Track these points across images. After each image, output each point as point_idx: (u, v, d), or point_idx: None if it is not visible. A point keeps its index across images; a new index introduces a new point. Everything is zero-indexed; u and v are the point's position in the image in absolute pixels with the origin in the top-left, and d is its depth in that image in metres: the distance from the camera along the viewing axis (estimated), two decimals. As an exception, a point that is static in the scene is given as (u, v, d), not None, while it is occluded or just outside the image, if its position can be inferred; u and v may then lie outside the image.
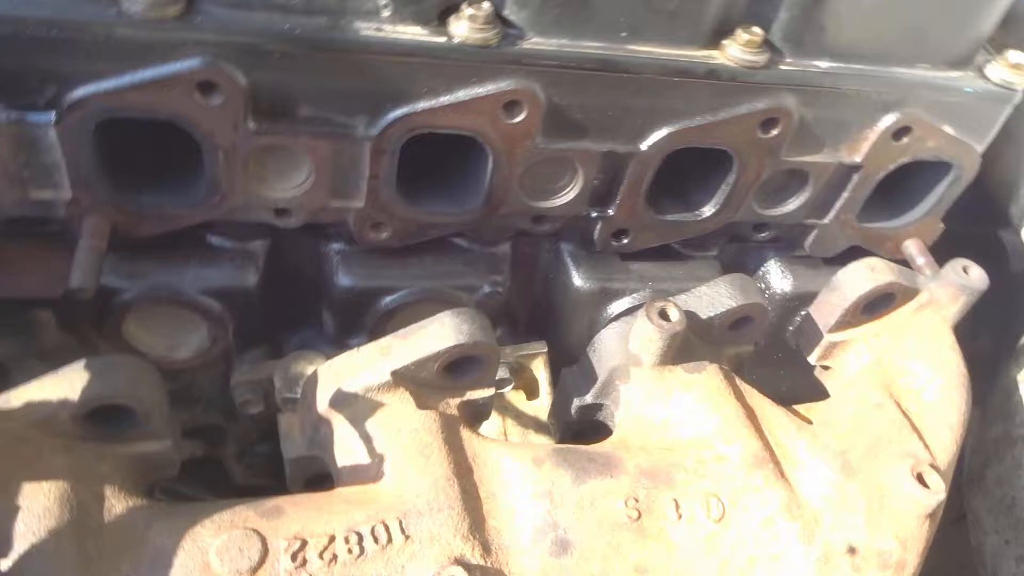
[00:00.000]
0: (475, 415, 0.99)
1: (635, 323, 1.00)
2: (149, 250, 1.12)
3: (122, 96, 0.92)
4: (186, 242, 1.14)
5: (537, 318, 1.37)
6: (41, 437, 0.89)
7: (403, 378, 0.91)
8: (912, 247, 1.34)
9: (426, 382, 0.93)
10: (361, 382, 0.91)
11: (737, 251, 1.38)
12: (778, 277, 1.36)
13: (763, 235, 1.32)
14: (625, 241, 1.24)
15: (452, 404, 0.95)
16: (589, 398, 1.06)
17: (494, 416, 1.35)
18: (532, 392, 1.33)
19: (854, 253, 1.36)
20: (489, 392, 0.97)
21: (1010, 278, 1.48)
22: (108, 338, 1.14)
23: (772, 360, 1.43)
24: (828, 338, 1.13)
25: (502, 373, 1.25)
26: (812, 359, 1.17)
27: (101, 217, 1.04)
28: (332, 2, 0.93)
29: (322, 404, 0.92)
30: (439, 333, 0.90)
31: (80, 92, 0.92)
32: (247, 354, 1.26)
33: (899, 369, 1.06)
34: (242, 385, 1.20)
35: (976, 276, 1.10)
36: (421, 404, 0.91)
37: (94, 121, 0.94)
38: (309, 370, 1.12)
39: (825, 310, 1.14)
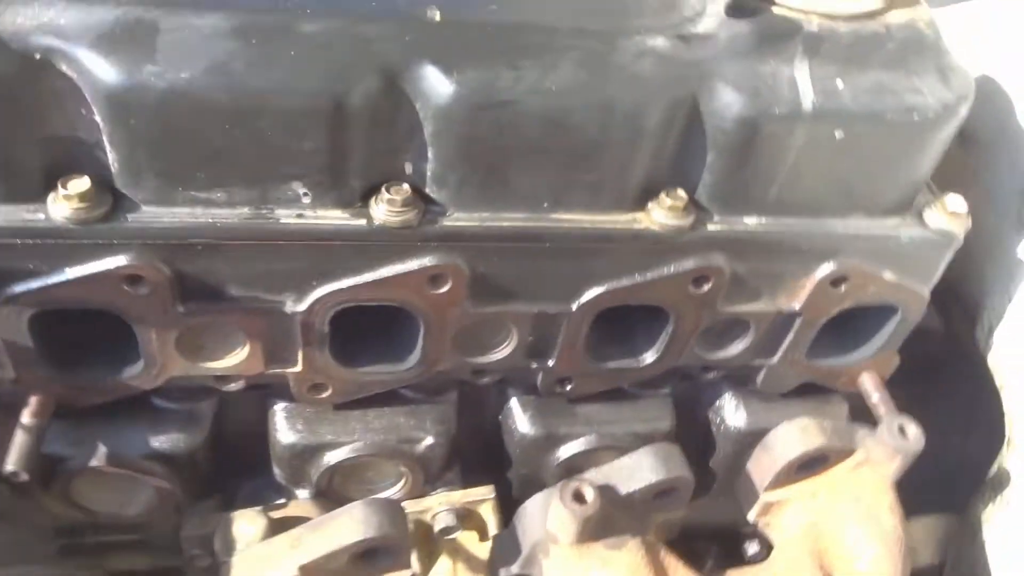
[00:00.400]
0: (396, 596, 0.99)
1: (551, 502, 1.00)
2: (95, 416, 1.15)
3: (52, 292, 0.96)
4: (132, 406, 1.17)
5: (490, 457, 1.38)
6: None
7: (313, 571, 0.92)
8: (867, 382, 1.32)
9: (338, 573, 0.94)
10: (272, 576, 0.92)
11: (690, 387, 1.37)
12: (731, 413, 1.35)
13: (711, 375, 1.32)
14: (569, 388, 1.25)
15: (368, 591, 0.95)
16: (515, 569, 1.05)
17: (444, 560, 1.35)
18: (484, 534, 1.33)
19: (812, 385, 1.35)
20: (406, 574, 0.98)
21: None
22: (58, 500, 1.17)
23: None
24: (764, 497, 1.12)
25: (448, 520, 1.25)
26: (750, 517, 1.16)
27: (43, 393, 1.08)
28: (254, 194, 0.96)
29: (235, 599, 0.93)
30: (348, 526, 0.91)
31: (13, 290, 0.96)
32: (198, 505, 1.28)
33: (834, 534, 1.04)
34: (189, 540, 1.21)
35: (913, 437, 1.08)
36: (334, 595, 0.92)
37: (28, 313, 0.98)
38: (251, 531, 1.13)
39: (760, 469, 1.13)
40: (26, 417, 1.05)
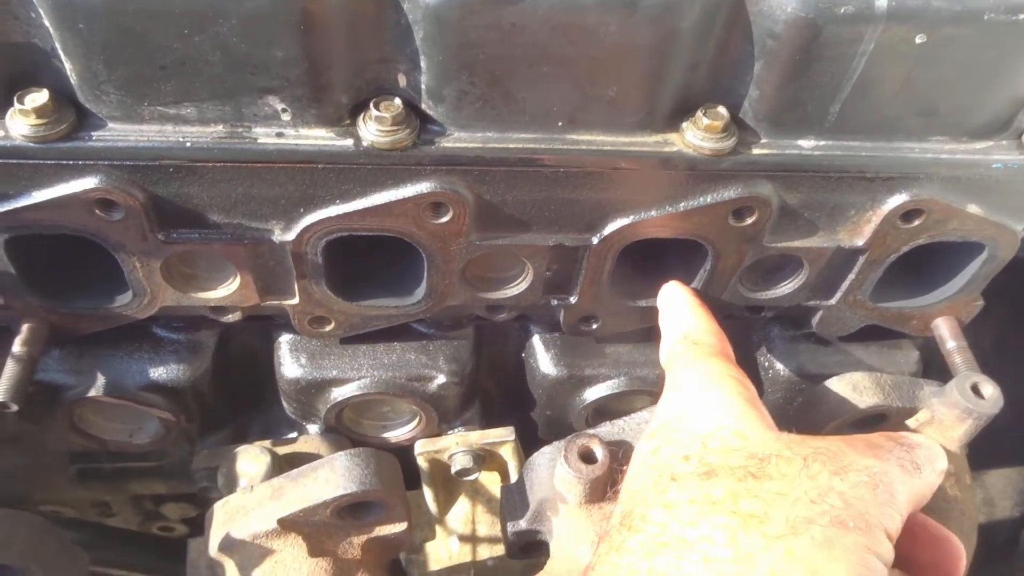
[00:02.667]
0: (388, 549, 0.92)
1: (558, 460, 0.90)
2: (97, 346, 1.11)
3: (22, 216, 0.90)
4: (133, 335, 1.12)
5: (515, 396, 1.29)
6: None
7: (294, 523, 0.85)
8: (943, 327, 1.15)
9: (323, 524, 0.87)
10: (249, 528, 0.86)
11: (736, 327, 1.23)
12: (781, 357, 1.21)
13: (759, 316, 1.17)
14: (595, 327, 1.13)
15: (355, 543, 0.88)
16: (523, 524, 0.97)
17: (463, 502, 1.29)
18: (506, 476, 1.25)
19: (878, 329, 1.20)
20: (400, 527, 0.90)
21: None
22: (62, 427, 1.15)
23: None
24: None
25: (464, 462, 1.18)
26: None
27: (36, 320, 1.03)
28: (227, 109, 0.86)
29: (213, 547, 0.88)
30: (329, 479, 0.84)
31: (-19, 213, 0.90)
32: (210, 437, 1.24)
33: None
34: (200, 472, 1.18)
35: (989, 398, 0.92)
36: (316, 547, 0.86)
37: (1, 238, 0.92)
38: (253, 468, 1.09)
39: (804, 427, 0.99)
40: (17, 346, 1.01)
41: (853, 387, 0.95)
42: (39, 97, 0.83)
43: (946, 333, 1.14)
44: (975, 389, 0.94)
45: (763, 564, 0.65)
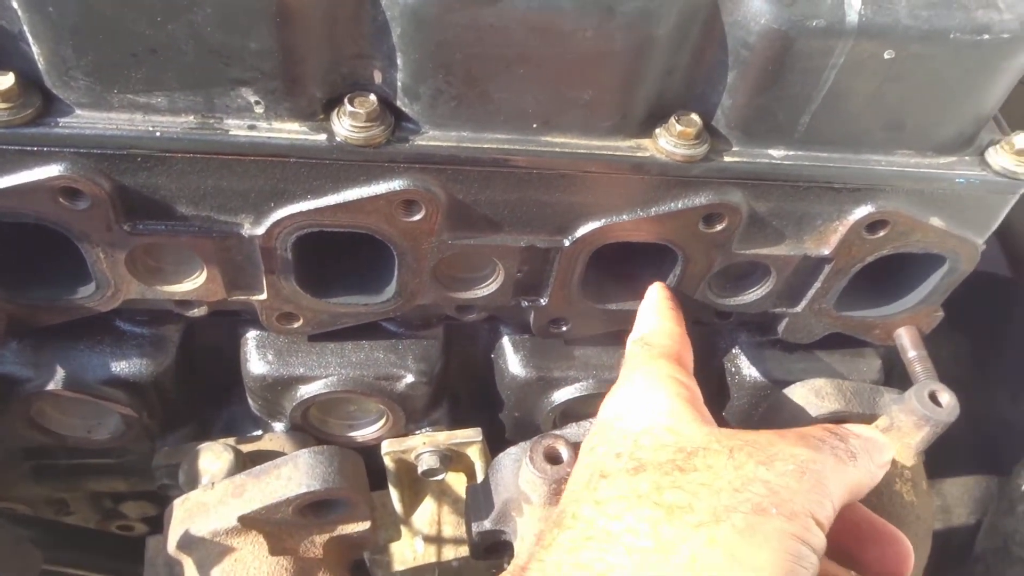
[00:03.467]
0: (351, 548, 0.91)
1: (523, 461, 0.90)
2: (58, 338, 1.08)
3: (-17, 202, 0.87)
4: (95, 328, 1.10)
5: (483, 396, 1.28)
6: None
7: (255, 521, 0.84)
8: (904, 336, 1.18)
9: (284, 522, 0.86)
10: (209, 525, 0.85)
11: (703, 333, 1.24)
12: (747, 362, 1.23)
13: (727, 321, 1.19)
14: (564, 329, 1.14)
15: (318, 542, 0.88)
16: (488, 524, 0.97)
17: (429, 502, 1.28)
18: (472, 476, 1.25)
19: (843, 336, 1.22)
20: (363, 526, 0.90)
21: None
22: (19, 421, 1.12)
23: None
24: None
25: (432, 462, 1.17)
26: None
27: (-8, 310, 1.01)
28: (198, 100, 0.85)
29: (172, 545, 0.87)
30: (291, 476, 0.83)
31: (-58, 198, 0.87)
32: (172, 434, 1.22)
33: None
34: (160, 469, 1.16)
35: (946, 406, 0.94)
36: (277, 545, 0.85)
37: (-40, 224, 0.90)
38: (216, 465, 1.07)
39: (770, 429, 1.00)
40: (-28, 335, 0.98)
41: (815, 393, 0.97)
42: (4, 80, 0.81)
43: (907, 342, 1.17)
44: (933, 397, 0.96)
45: (684, 551, 0.66)
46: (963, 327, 1.44)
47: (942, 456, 1.18)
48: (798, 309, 1.15)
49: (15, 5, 0.77)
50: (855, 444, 0.78)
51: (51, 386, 1.06)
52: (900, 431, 0.96)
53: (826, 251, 1.04)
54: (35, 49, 0.80)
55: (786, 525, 0.67)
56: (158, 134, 0.85)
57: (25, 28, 0.79)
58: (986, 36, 0.87)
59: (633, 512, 0.70)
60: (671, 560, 0.65)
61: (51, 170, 0.86)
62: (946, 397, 0.95)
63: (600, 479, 0.75)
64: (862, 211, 1.00)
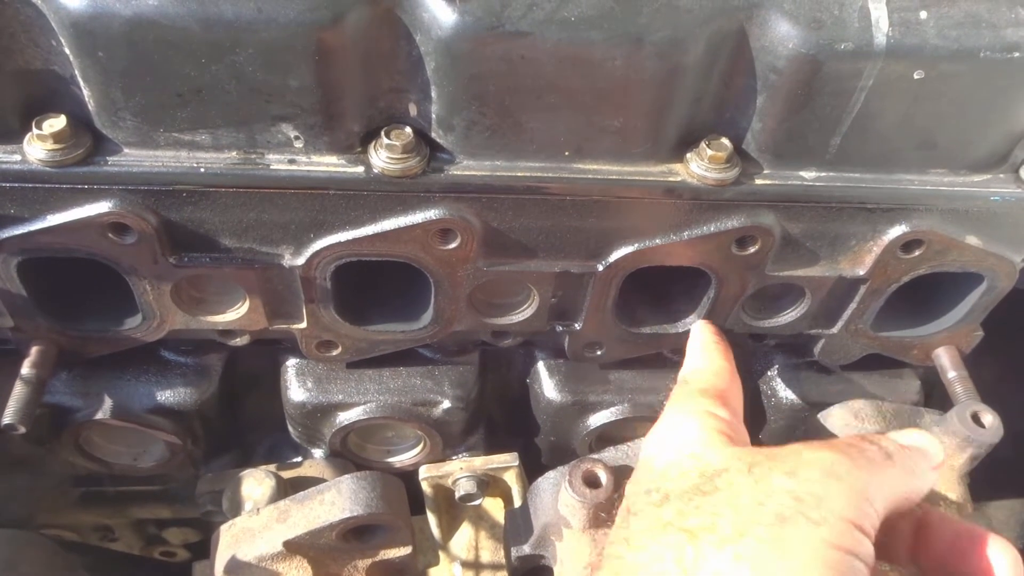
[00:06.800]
0: (392, 573, 0.92)
1: (562, 485, 0.91)
2: (104, 367, 1.11)
3: (36, 239, 0.91)
4: (141, 358, 1.13)
5: (519, 421, 1.29)
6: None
7: (300, 546, 0.85)
8: (943, 356, 1.17)
9: (328, 547, 0.87)
10: (255, 550, 0.86)
11: (739, 355, 1.23)
12: (783, 385, 1.22)
13: (762, 343, 1.19)
14: (599, 353, 1.14)
15: (360, 567, 0.89)
16: (527, 548, 0.97)
17: (466, 528, 1.29)
18: (509, 501, 1.26)
19: (881, 357, 1.21)
20: (405, 550, 0.91)
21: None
22: (68, 449, 1.15)
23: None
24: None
25: (468, 487, 1.18)
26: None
27: (45, 343, 1.04)
28: (241, 136, 0.88)
29: (219, 570, 0.88)
30: (335, 502, 0.85)
31: (-3, 236, 0.91)
32: (214, 461, 1.24)
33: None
34: (204, 496, 1.18)
35: (991, 427, 0.93)
36: (321, 571, 0.86)
37: (15, 260, 0.93)
38: (258, 492, 1.09)
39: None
40: (26, 368, 1.02)
41: (854, 414, 0.96)
42: (57, 123, 0.85)
43: (947, 362, 1.15)
44: (975, 418, 0.95)
45: (707, 570, 0.66)
46: (1004, 345, 1.42)
47: (986, 478, 1.16)
48: (834, 330, 1.14)
49: (67, 51, 0.81)
50: (889, 445, 0.76)
51: (99, 415, 1.09)
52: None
53: (861, 272, 1.04)
54: (86, 92, 0.84)
55: (816, 532, 0.66)
56: (202, 170, 0.88)
57: (76, 72, 0.83)
58: (1016, 54, 0.87)
59: (658, 541, 0.71)
60: None
61: (100, 207, 0.89)
62: (989, 417, 0.94)
63: (630, 516, 0.77)
64: (896, 231, 1.00)
